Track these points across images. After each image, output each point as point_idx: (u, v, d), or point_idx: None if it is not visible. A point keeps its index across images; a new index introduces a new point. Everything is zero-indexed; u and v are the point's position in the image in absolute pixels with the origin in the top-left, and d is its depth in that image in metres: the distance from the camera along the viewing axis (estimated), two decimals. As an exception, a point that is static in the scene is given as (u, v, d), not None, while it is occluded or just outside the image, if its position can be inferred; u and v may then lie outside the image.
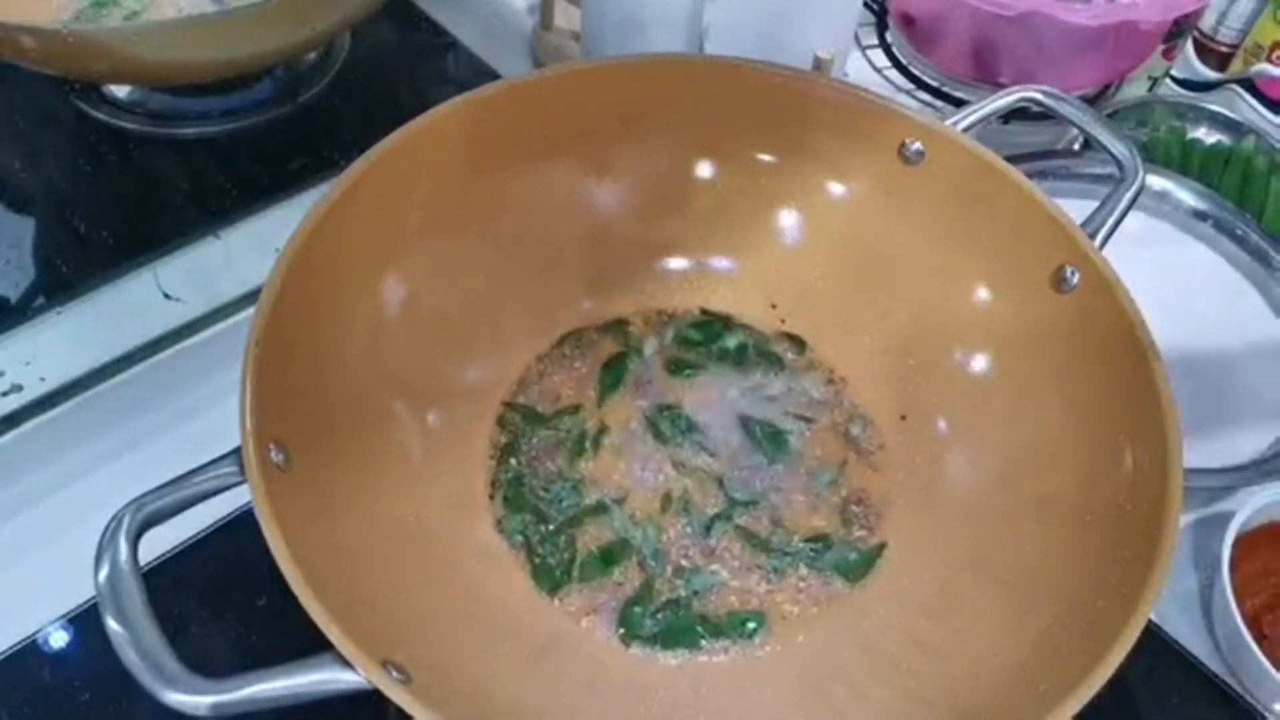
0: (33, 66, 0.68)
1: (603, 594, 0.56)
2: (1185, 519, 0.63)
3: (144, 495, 0.44)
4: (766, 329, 0.67)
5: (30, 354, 0.64)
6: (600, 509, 0.59)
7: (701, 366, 0.66)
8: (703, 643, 0.55)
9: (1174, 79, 0.93)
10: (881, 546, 0.59)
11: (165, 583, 0.54)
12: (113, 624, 0.41)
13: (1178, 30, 0.84)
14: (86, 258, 0.70)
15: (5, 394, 0.62)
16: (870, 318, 0.66)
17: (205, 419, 0.63)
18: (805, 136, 0.65)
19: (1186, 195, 0.78)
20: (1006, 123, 0.81)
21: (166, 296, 0.68)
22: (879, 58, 0.92)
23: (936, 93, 0.88)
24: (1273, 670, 0.56)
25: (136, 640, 0.40)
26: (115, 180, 0.76)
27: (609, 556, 0.57)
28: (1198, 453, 0.66)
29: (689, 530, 0.59)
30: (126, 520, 0.43)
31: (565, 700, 0.52)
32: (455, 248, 0.62)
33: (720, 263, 0.69)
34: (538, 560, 0.57)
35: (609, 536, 0.58)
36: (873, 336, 0.66)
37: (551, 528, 0.58)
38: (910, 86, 0.89)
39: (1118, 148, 0.60)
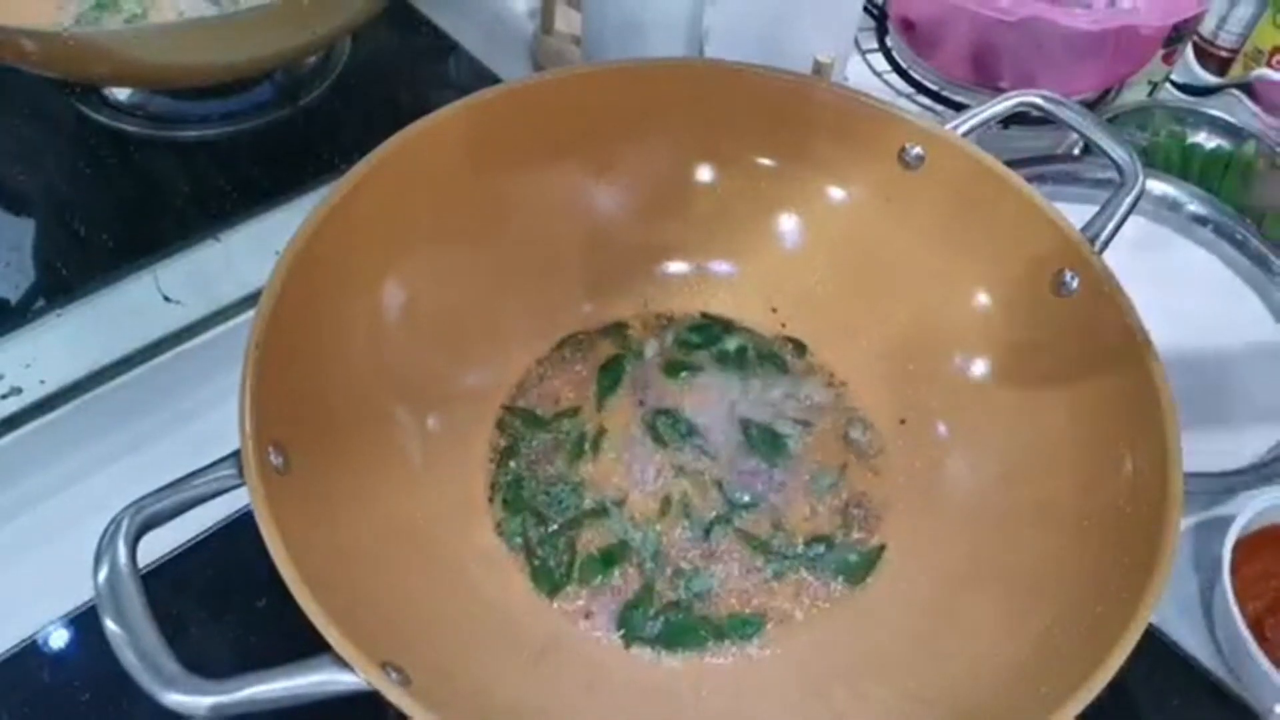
0: (33, 69, 0.68)
1: (603, 596, 0.56)
2: (1185, 522, 0.63)
3: (143, 498, 0.44)
4: (766, 333, 0.67)
5: (30, 357, 0.64)
6: (600, 511, 0.59)
7: (700, 369, 0.66)
8: (705, 645, 0.55)
9: (1174, 84, 0.93)
10: (881, 548, 0.59)
11: (164, 584, 0.54)
12: (112, 626, 0.41)
13: (1178, 35, 0.84)
14: (86, 260, 0.70)
15: (5, 396, 0.62)
16: (870, 322, 0.66)
17: (205, 421, 0.63)
18: (805, 141, 0.65)
19: (1186, 200, 0.78)
20: (1006, 127, 0.81)
21: (166, 299, 0.68)
22: (879, 62, 0.92)
23: (936, 97, 0.88)
24: (1274, 673, 0.55)
25: (135, 642, 0.40)
26: (115, 183, 0.76)
27: (609, 558, 0.57)
28: (1198, 456, 0.65)
29: (689, 532, 0.59)
30: (125, 523, 0.43)
31: (565, 702, 0.52)
32: (455, 251, 0.62)
33: (720, 266, 0.69)
34: (537, 562, 0.57)
35: (609, 539, 0.58)
36: (872, 340, 0.66)
37: (551, 530, 0.58)
38: (910, 91, 0.89)
39: (1118, 152, 0.60)
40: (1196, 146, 0.85)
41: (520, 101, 0.62)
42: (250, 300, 0.67)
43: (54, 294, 0.67)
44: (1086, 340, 0.56)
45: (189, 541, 0.57)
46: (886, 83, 0.90)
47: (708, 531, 0.59)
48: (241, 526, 0.50)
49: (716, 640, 0.55)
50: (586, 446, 0.62)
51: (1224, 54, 0.94)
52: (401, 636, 0.46)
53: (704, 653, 0.55)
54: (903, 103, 0.87)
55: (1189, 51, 0.94)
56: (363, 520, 0.52)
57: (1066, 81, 0.83)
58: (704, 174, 0.68)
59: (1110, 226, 0.59)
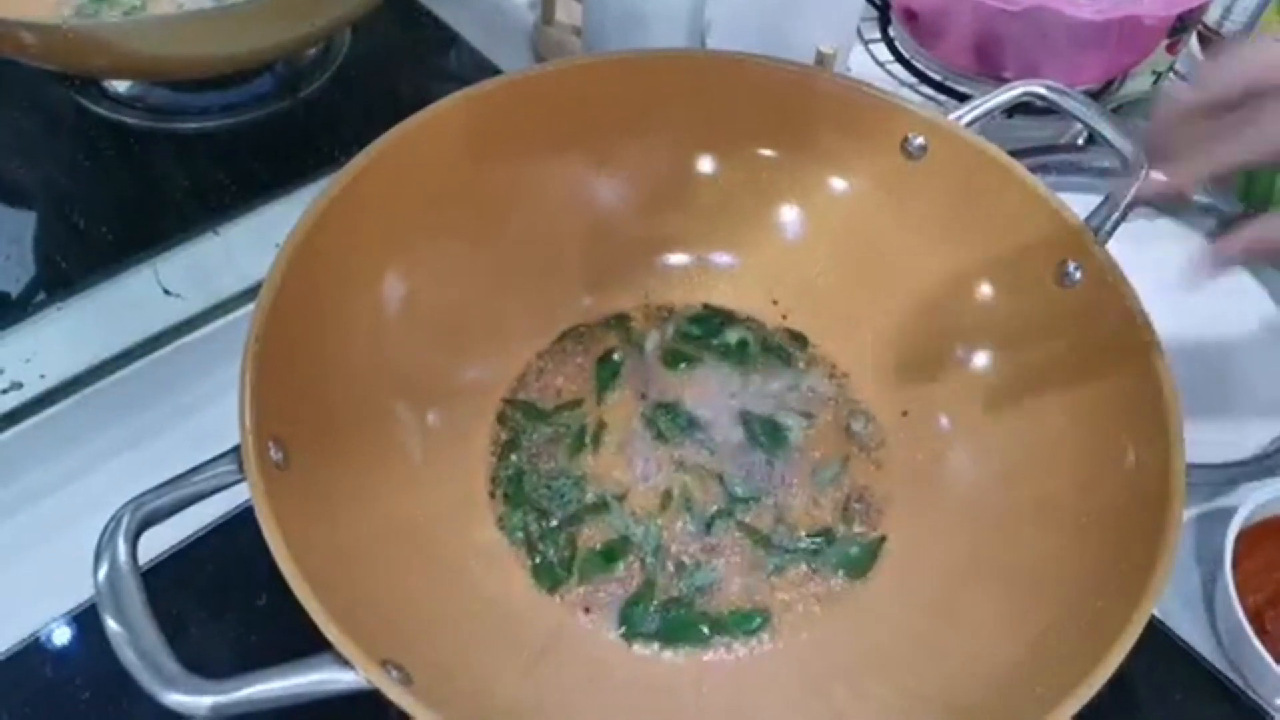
0: (33, 62, 0.67)
1: (604, 591, 0.56)
2: (1187, 514, 0.63)
3: (143, 494, 0.44)
4: (768, 324, 0.67)
5: (30, 351, 0.64)
6: (601, 506, 0.59)
7: (701, 361, 0.65)
8: (706, 640, 0.55)
9: (1178, 73, 0.92)
10: (882, 539, 0.59)
11: (164, 582, 0.54)
12: (112, 624, 0.41)
13: (1182, 24, 0.83)
14: (86, 254, 0.70)
15: (5, 391, 0.62)
16: (872, 313, 0.66)
17: (205, 415, 0.63)
18: (807, 131, 0.65)
19: (1191, 190, 0.78)
20: (1010, 117, 0.80)
21: (166, 292, 0.68)
22: (882, 52, 0.91)
23: (939, 87, 0.88)
24: (1275, 666, 0.55)
25: (135, 640, 0.40)
26: (115, 176, 0.76)
27: (610, 554, 0.57)
28: (1200, 448, 0.65)
29: (690, 527, 0.59)
30: (125, 520, 0.43)
31: (566, 698, 0.52)
32: (455, 244, 0.62)
33: (722, 258, 0.69)
34: (538, 558, 0.57)
35: (610, 534, 0.58)
36: (874, 332, 0.65)
37: (552, 524, 0.58)
38: (913, 81, 0.89)
39: (1122, 143, 0.60)
40: (1200, 136, 0.84)
41: (521, 93, 0.62)
42: (250, 293, 0.67)
43: (53, 288, 0.67)
44: (1089, 331, 0.56)
45: (189, 538, 0.57)
46: (889, 73, 0.90)
47: (709, 526, 0.59)
48: (241, 523, 0.50)
49: (718, 636, 0.55)
50: (587, 440, 0.62)
51: (1229, 42, 0.94)
52: (402, 634, 0.46)
53: (705, 649, 0.54)
54: (905, 93, 0.87)
55: (1193, 41, 0.93)
56: (363, 516, 0.52)
57: (1070, 71, 0.82)
58: (705, 165, 0.68)
59: (1114, 217, 0.58)
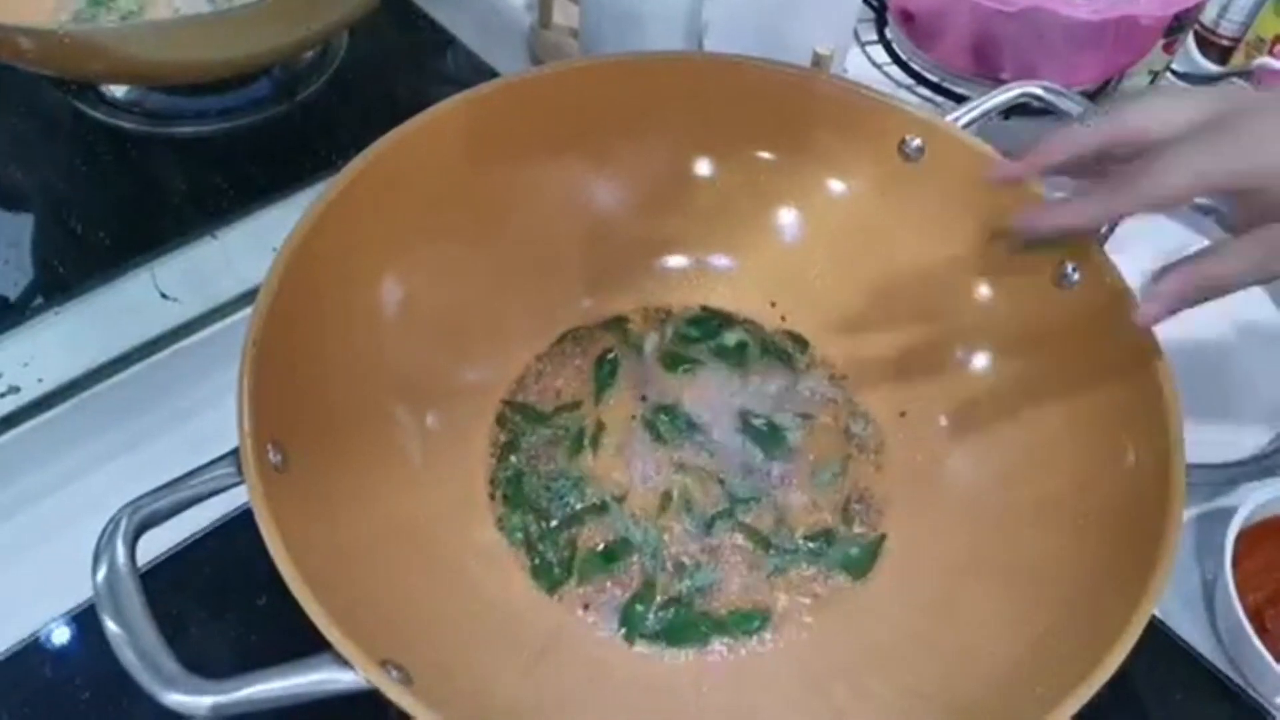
0: (30, 67, 0.67)
1: (604, 592, 0.56)
2: (1187, 514, 0.63)
3: (141, 497, 0.44)
4: (767, 326, 0.67)
5: (28, 355, 0.64)
6: (600, 507, 0.59)
7: (699, 362, 0.65)
8: (707, 640, 0.55)
9: (1175, 73, 0.93)
10: (882, 538, 0.59)
11: (164, 583, 0.54)
12: (111, 625, 0.41)
13: (1178, 24, 0.83)
14: (84, 258, 0.70)
15: (3, 395, 0.62)
16: (870, 315, 0.66)
17: (203, 419, 0.63)
18: (805, 133, 0.65)
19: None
20: (1007, 118, 0.80)
21: (164, 296, 0.68)
22: (878, 54, 0.91)
23: (936, 88, 0.88)
24: (1275, 665, 0.55)
25: (135, 641, 0.40)
26: (112, 180, 0.76)
27: (610, 555, 0.57)
28: (1200, 448, 0.65)
29: (690, 528, 0.59)
30: (124, 522, 0.43)
31: (566, 699, 0.52)
32: (453, 247, 0.62)
33: (720, 261, 0.69)
34: (538, 559, 0.57)
35: (609, 535, 0.58)
36: (873, 333, 0.65)
37: (552, 525, 0.58)
38: (910, 82, 0.89)
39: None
40: (1198, 136, 0.84)
41: (518, 96, 0.62)
42: (248, 297, 0.67)
43: (51, 292, 0.67)
44: (1088, 332, 0.56)
45: (188, 540, 0.57)
46: (886, 74, 0.90)
47: (709, 526, 0.59)
48: (240, 525, 0.50)
49: (718, 636, 0.55)
50: (586, 442, 0.62)
51: (1225, 43, 0.94)
52: (401, 635, 0.46)
53: (706, 649, 0.54)
54: (903, 94, 0.87)
55: (1190, 41, 0.93)
56: (362, 518, 0.52)
57: (1067, 72, 0.82)
58: (703, 167, 0.68)
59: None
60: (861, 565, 0.58)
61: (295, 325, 0.51)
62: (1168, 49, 0.86)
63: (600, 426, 0.62)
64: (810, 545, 0.58)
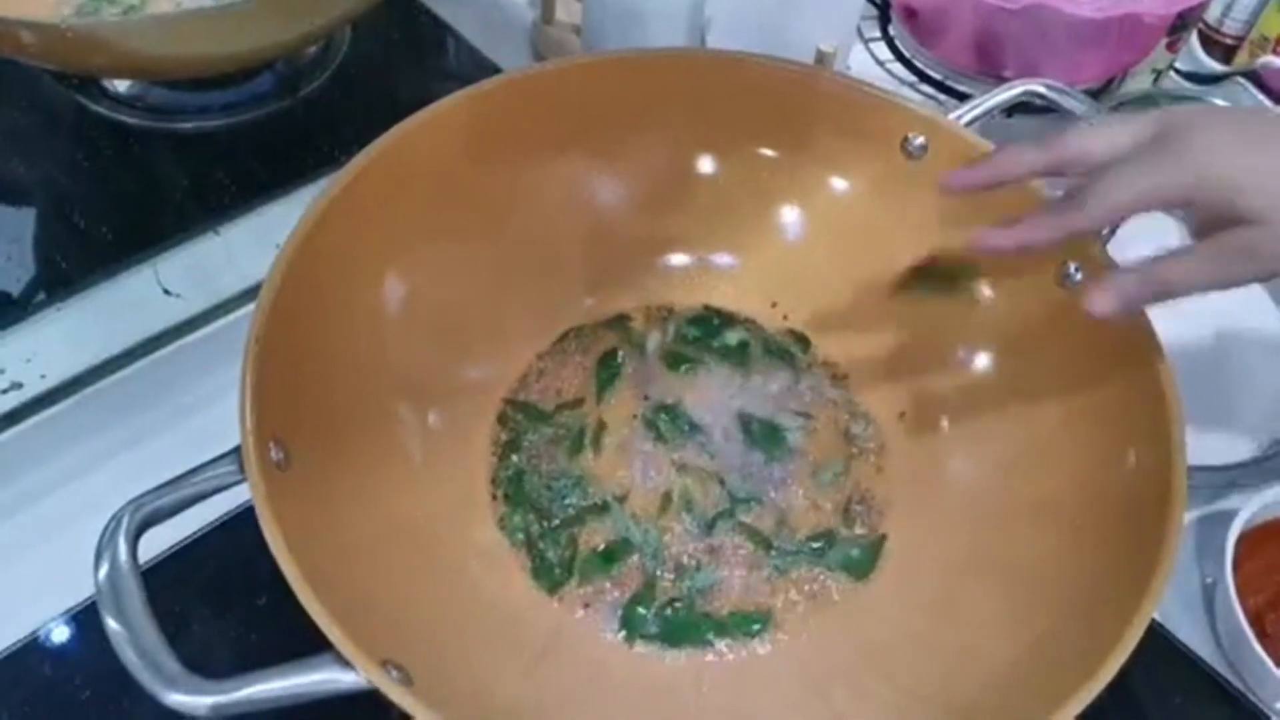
0: (32, 61, 0.67)
1: (604, 592, 0.56)
2: (1188, 516, 0.63)
3: (143, 495, 0.44)
4: (768, 325, 0.67)
5: (30, 351, 0.64)
6: (601, 507, 0.59)
7: (700, 362, 0.65)
8: (708, 641, 0.55)
9: (1178, 71, 0.92)
10: (883, 538, 0.59)
11: (165, 581, 0.54)
12: (112, 624, 0.41)
13: (1182, 23, 0.83)
14: (86, 253, 0.70)
15: (5, 391, 0.62)
16: (873, 314, 0.66)
17: (206, 415, 0.63)
18: (807, 131, 0.65)
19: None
20: (1010, 116, 0.80)
21: (166, 292, 0.68)
22: (882, 51, 0.91)
23: (939, 86, 0.88)
24: (1275, 669, 0.55)
25: (136, 640, 0.41)
26: (115, 175, 0.76)
27: (610, 555, 0.57)
28: (1201, 450, 0.65)
29: (691, 529, 0.59)
30: (126, 520, 0.43)
31: (566, 699, 0.52)
32: (456, 244, 0.62)
33: (722, 259, 0.69)
34: (538, 559, 0.57)
35: (610, 535, 0.58)
36: (875, 333, 0.65)
37: (553, 525, 0.58)
38: (913, 80, 0.89)
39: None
40: (1201, 135, 0.84)
41: (521, 92, 0.62)
42: (251, 293, 0.67)
43: (54, 287, 0.67)
44: (1090, 332, 0.56)
45: (189, 538, 0.57)
46: (889, 72, 0.90)
47: (710, 527, 0.59)
48: (242, 523, 0.50)
49: (719, 637, 0.55)
50: (587, 441, 0.62)
51: (1229, 41, 0.94)
52: (402, 634, 0.46)
53: (706, 650, 0.54)
54: (906, 92, 0.87)
55: (1194, 39, 0.93)
56: (364, 517, 0.52)
57: (1070, 70, 0.82)
58: (705, 165, 0.68)
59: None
60: (863, 566, 0.58)
61: (298, 322, 0.51)
62: (1171, 47, 0.86)
63: (601, 426, 0.62)
64: (811, 546, 0.58)
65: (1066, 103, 0.63)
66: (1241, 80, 0.89)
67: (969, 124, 0.62)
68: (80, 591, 0.55)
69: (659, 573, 0.57)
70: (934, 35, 0.88)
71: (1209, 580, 0.62)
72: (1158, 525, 0.47)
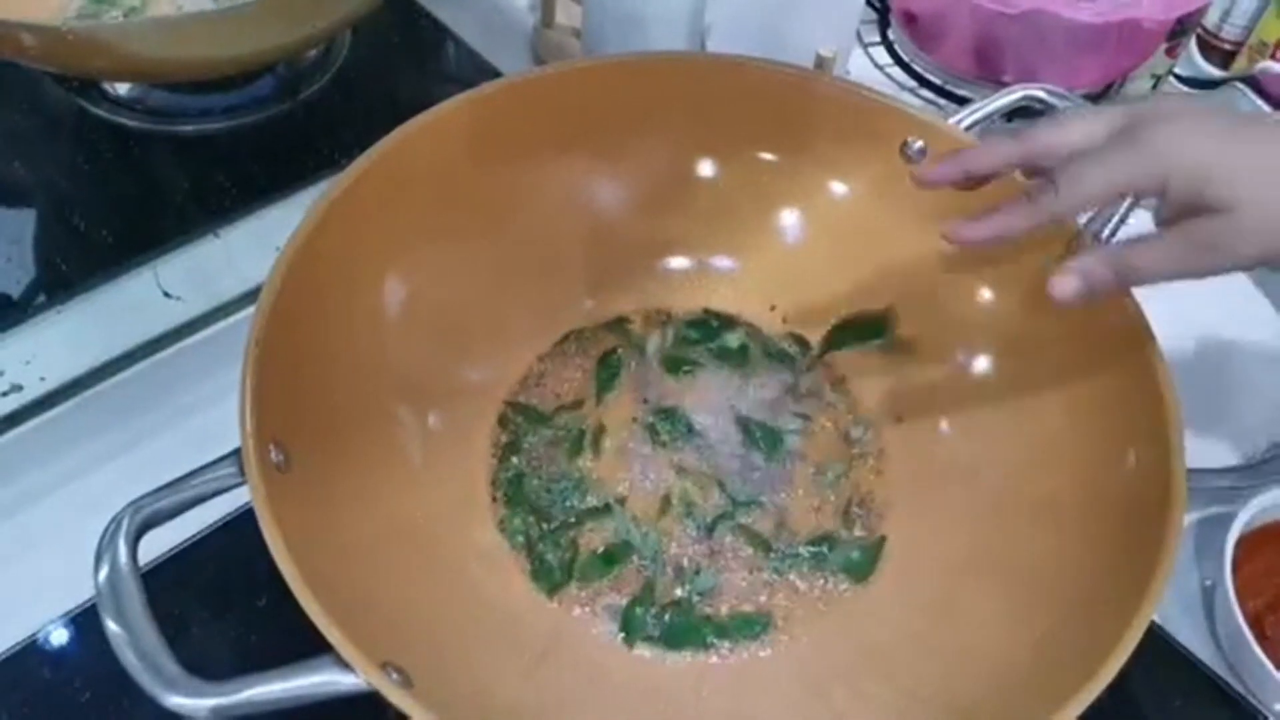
0: (33, 64, 0.67)
1: (604, 594, 0.56)
2: (1187, 519, 0.63)
3: (143, 497, 0.44)
4: (768, 328, 0.67)
5: (30, 353, 0.64)
6: (601, 510, 0.59)
7: (700, 364, 0.65)
8: (708, 644, 0.55)
9: (1177, 77, 0.92)
10: (882, 540, 0.59)
11: (165, 584, 0.54)
12: (112, 626, 0.41)
13: (1181, 28, 0.83)
14: (86, 256, 0.70)
15: (5, 394, 0.62)
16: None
17: (206, 418, 0.63)
18: (807, 135, 0.65)
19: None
20: (1009, 121, 0.80)
21: (166, 295, 0.68)
22: (881, 55, 0.91)
23: (939, 90, 0.88)
24: (1275, 671, 0.55)
25: (136, 642, 0.41)
26: (115, 178, 0.76)
27: (610, 558, 0.57)
28: (1200, 452, 0.65)
29: (691, 531, 0.59)
30: (126, 522, 0.43)
31: (566, 701, 0.52)
32: (456, 247, 0.62)
33: (722, 262, 0.69)
34: (538, 561, 0.57)
35: (610, 537, 0.58)
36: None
37: (552, 527, 0.58)
38: (913, 84, 0.89)
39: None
40: (1200, 140, 0.84)
41: (521, 95, 0.62)
42: (251, 296, 0.67)
43: (54, 290, 0.67)
44: (1089, 335, 0.56)
45: (189, 540, 0.57)
46: (889, 76, 0.90)
47: (710, 530, 0.59)
48: (242, 524, 0.50)
49: (719, 639, 0.55)
50: (586, 443, 0.62)
51: (1228, 47, 0.94)
52: (402, 636, 0.46)
53: (707, 652, 0.54)
54: (905, 96, 0.87)
55: (1192, 44, 0.93)
56: (364, 518, 0.52)
57: (1069, 75, 0.82)
58: (705, 169, 0.68)
59: (1114, 221, 0.58)
60: (863, 568, 0.58)
61: (298, 325, 0.51)
62: (1170, 52, 0.86)
63: (601, 428, 0.62)
64: (811, 548, 0.58)
65: (1065, 108, 0.63)
66: (1240, 85, 0.89)
67: (968, 129, 0.62)
68: (80, 593, 0.55)
69: (659, 575, 0.57)
70: (933, 40, 0.88)
71: (1208, 583, 0.62)
72: (1157, 527, 0.47)
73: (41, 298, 0.67)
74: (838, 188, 0.67)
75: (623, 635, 0.55)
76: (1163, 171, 0.46)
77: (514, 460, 0.61)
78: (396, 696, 0.39)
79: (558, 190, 0.65)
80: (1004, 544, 0.56)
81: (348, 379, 0.55)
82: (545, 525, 0.58)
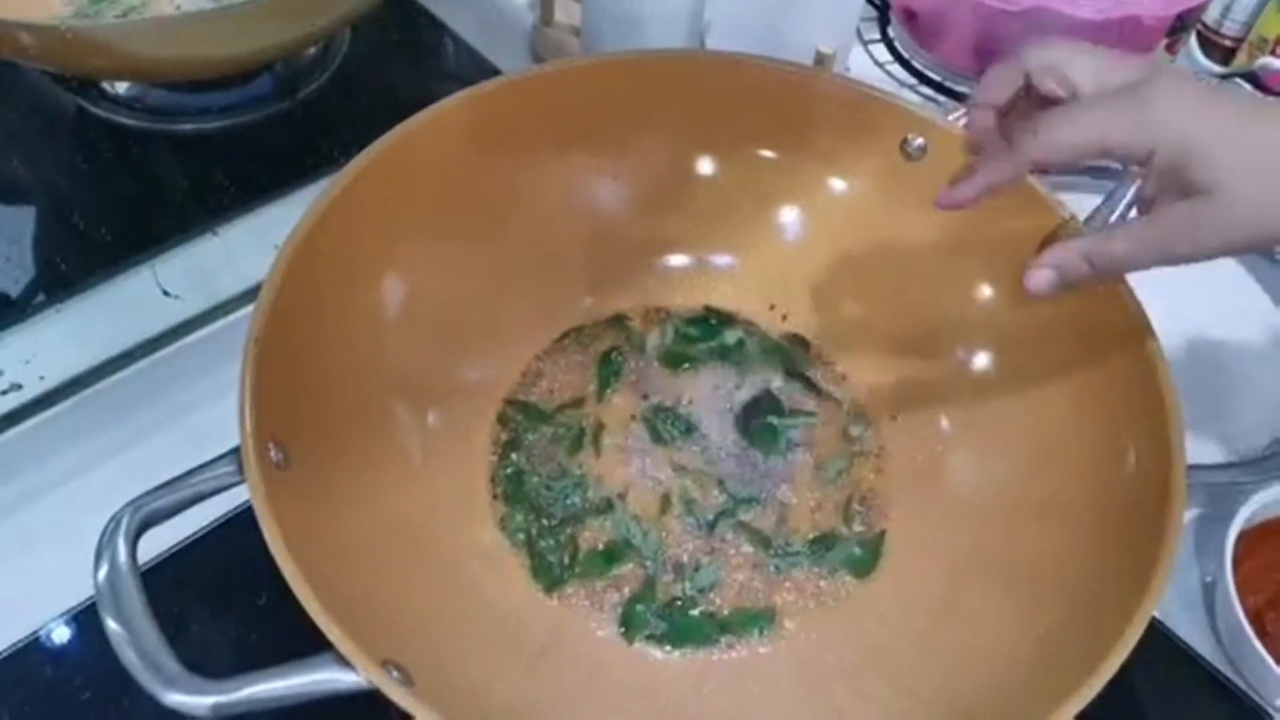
0: (32, 64, 0.68)
1: (604, 592, 0.56)
2: (1188, 515, 0.63)
3: (142, 495, 0.44)
4: (767, 326, 0.67)
5: (30, 352, 0.64)
6: (601, 507, 0.59)
7: (700, 361, 0.65)
8: (711, 641, 0.55)
9: (1177, 74, 0.92)
10: (882, 535, 0.59)
11: (165, 582, 0.54)
12: (112, 624, 0.41)
13: (1181, 24, 0.83)
14: (85, 255, 0.70)
15: (4, 392, 0.62)
16: (872, 315, 0.66)
17: (205, 416, 0.63)
18: (807, 132, 0.65)
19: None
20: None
21: (166, 294, 0.68)
22: (881, 52, 0.91)
23: (939, 87, 0.88)
24: (1275, 667, 0.55)
25: (136, 640, 0.41)
26: (114, 177, 0.76)
27: (610, 555, 0.57)
28: (1201, 449, 0.66)
29: (692, 529, 0.59)
30: (125, 520, 0.43)
31: (566, 699, 0.52)
32: (456, 244, 0.62)
33: (721, 259, 0.69)
34: (538, 558, 0.57)
35: (610, 535, 0.58)
36: (874, 334, 0.66)
37: (552, 524, 0.58)
38: (912, 81, 0.89)
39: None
40: (1200, 136, 0.84)
41: (521, 93, 0.62)
42: (250, 295, 0.67)
43: (53, 289, 0.67)
44: (1088, 331, 0.56)
45: (189, 538, 0.57)
46: (889, 73, 0.90)
47: (711, 527, 0.59)
48: (242, 523, 0.50)
49: (720, 637, 0.55)
50: (586, 440, 0.62)
51: (1228, 43, 0.94)
52: (402, 634, 0.46)
53: (709, 649, 0.54)
54: (905, 93, 0.87)
55: (1193, 40, 0.93)
56: (364, 516, 0.52)
57: (1069, 71, 0.82)
58: (705, 166, 0.68)
59: (1114, 217, 0.58)
60: (865, 565, 0.58)
61: (297, 323, 0.51)
62: (1170, 48, 0.86)
63: (600, 426, 0.62)
64: (812, 546, 0.58)
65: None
66: (1240, 81, 0.89)
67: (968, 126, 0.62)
68: (80, 592, 0.55)
69: (659, 573, 0.57)
70: (933, 37, 0.88)
71: (1209, 579, 0.62)
72: (1158, 524, 0.47)
73: (41, 297, 0.67)
74: (837, 185, 0.66)
75: (623, 632, 0.55)
76: (1151, 139, 0.45)
77: (514, 458, 0.61)
78: (397, 694, 0.39)
79: (557, 188, 0.65)
80: (1005, 541, 0.56)
81: (347, 377, 0.55)
82: (545, 523, 0.58)
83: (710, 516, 0.59)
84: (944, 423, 0.62)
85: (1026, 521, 0.56)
